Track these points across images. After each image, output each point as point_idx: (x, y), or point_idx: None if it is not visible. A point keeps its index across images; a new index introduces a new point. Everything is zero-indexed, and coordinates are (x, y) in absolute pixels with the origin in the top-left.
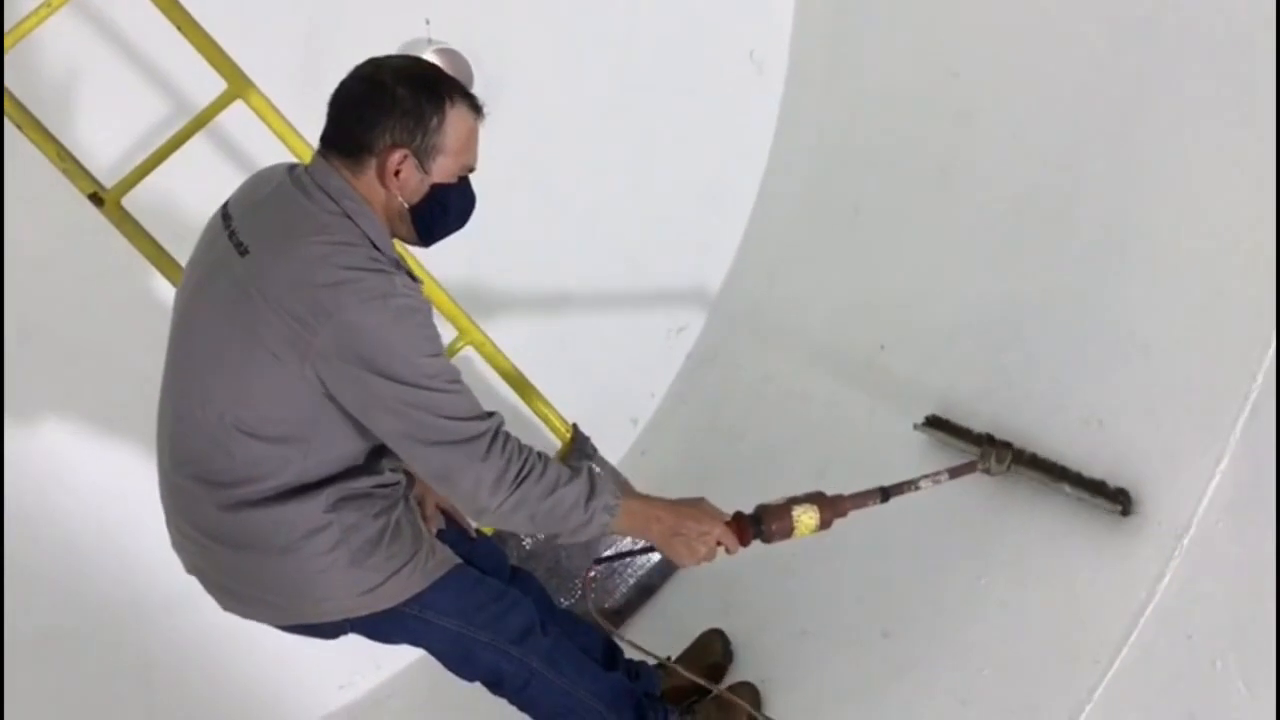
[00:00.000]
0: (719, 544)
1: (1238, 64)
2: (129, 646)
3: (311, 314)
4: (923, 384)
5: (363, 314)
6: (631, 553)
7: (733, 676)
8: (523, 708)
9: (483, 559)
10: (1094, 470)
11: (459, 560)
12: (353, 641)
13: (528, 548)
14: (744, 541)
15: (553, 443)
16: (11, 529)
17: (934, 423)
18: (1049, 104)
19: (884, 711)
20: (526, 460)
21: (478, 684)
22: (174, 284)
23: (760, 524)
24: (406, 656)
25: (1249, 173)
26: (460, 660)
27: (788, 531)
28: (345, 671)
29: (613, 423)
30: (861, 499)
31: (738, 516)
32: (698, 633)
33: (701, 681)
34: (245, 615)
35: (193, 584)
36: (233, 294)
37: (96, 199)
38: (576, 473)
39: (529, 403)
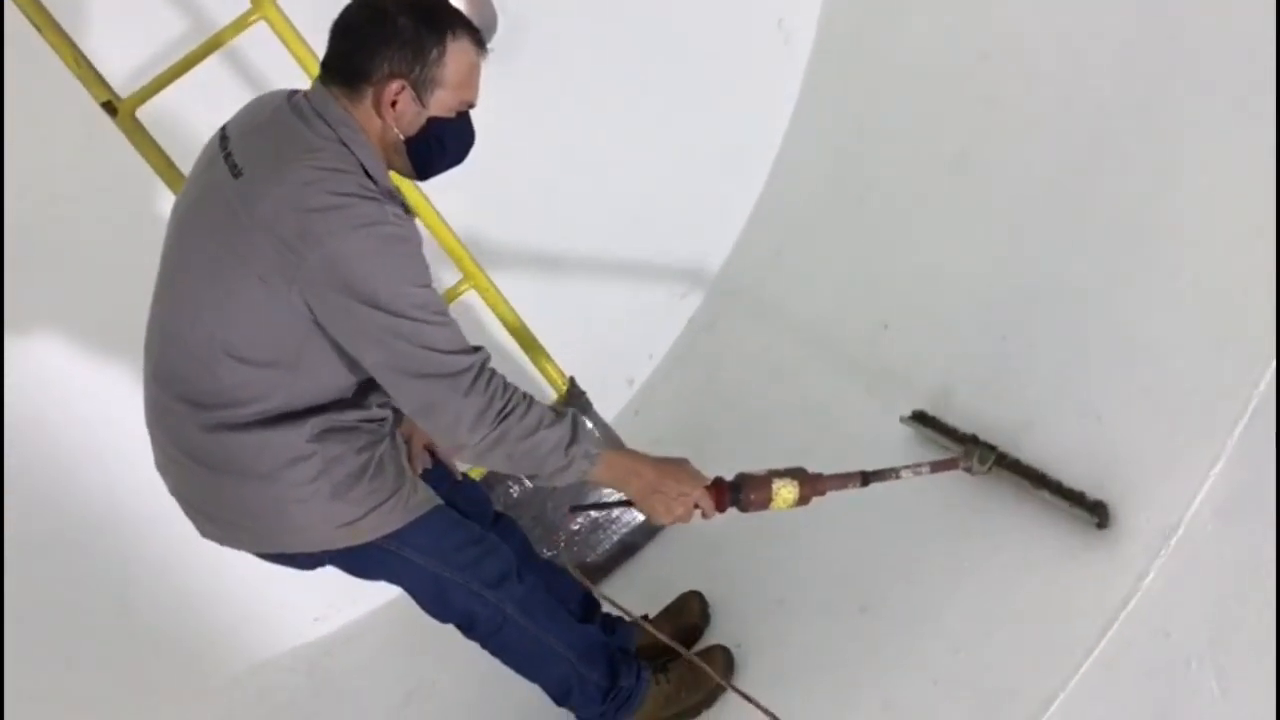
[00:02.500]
0: (696, 506)
1: (1261, 67)
2: (107, 562)
3: (300, 239)
4: (922, 366)
5: (351, 240)
6: (610, 504)
7: (709, 639)
8: (494, 653)
9: (465, 502)
10: (1085, 468)
11: (440, 501)
12: (330, 575)
13: (514, 495)
14: (720, 507)
15: (549, 395)
16: None
17: (920, 418)
18: (1074, 97)
19: (855, 684)
20: (510, 398)
21: (451, 626)
22: None
23: (739, 492)
24: (383, 593)
25: (1265, 179)
26: (435, 600)
27: (765, 503)
28: (321, 605)
29: (608, 381)
30: (842, 480)
31: (718, 482)
32: (677, 593)
33: (673, 645)
34: (223, 541)
35: (175, 506)
36: (225, 216)
37: (110, 108)
38: (560, 416)
39: (528, 353)
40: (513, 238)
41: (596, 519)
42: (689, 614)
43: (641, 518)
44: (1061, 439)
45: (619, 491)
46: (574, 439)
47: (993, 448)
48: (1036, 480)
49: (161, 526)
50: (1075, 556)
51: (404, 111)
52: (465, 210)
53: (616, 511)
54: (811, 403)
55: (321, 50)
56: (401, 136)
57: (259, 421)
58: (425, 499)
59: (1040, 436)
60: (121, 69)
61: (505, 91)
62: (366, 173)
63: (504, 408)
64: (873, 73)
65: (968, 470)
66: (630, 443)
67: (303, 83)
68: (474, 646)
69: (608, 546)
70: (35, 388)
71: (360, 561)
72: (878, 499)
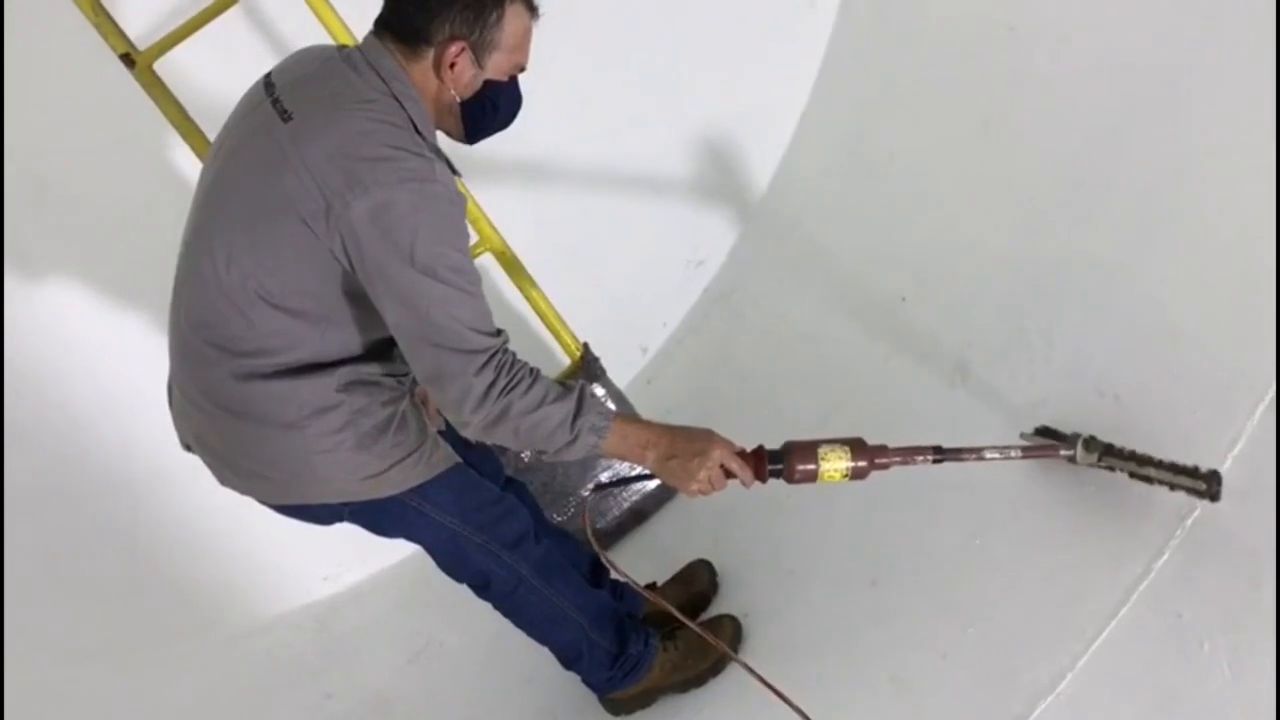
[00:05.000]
0: (728, 475)
1: None
2: (116, 515)
3: (348, 186)
4: (940, 339)
5: (399, 193)
6: (632, 479)
7: (717, 608)
8: (507, 614)
9: (479, 464)
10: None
11: (460, 460)
12: (341, 535)
13: (525, 460)
14: (760, 476)
15: (562, 360)
16: (10, 389)
17: (1043, 432)
18: (1101, 70)
19: (862, 656)
20: (515, 374)
21: (465, 587)
22: (196, 152)
23: (783, 461)
24: (392, 554)
25: None
26: (452, 559)
27: (812, 475)
28: (331, 563)
29: (622, 348)
30: (908, 453)
31: (758, 451)
32: (686, 561)
33: (679, 616)
34: (243, 491)
35: (185, 460)
36: (272, 159)
37: (128, 59)
38: (567, 390)
39: (543, 318)
40: (529, 203)
41: (607, 484)
42: (697, 582)
43: (652, 485)
44: (1078, 417)
45: (635, 464)
46: (579, 412)
47: (1102, 442)
48: (1143, 461)
49: (172, 482)
50: (1089, 535)
51: (462, 73)
52: (482, 175)
53: (626, 480)
54: (827, 374)
55: (339, 6)
56: (458, 98)
57: (288, 370)
58: (446, 456)
59: (1057, 414)
60: (143, 22)
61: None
62: (417, 129)
63: (508, 384)
64: (897, 41)
65: (1070, 459)
66: (644, 411)
67: (322, 38)
68: (483, 607)
69: (617, 513)
70: (48, 342)
71: (380, 516)
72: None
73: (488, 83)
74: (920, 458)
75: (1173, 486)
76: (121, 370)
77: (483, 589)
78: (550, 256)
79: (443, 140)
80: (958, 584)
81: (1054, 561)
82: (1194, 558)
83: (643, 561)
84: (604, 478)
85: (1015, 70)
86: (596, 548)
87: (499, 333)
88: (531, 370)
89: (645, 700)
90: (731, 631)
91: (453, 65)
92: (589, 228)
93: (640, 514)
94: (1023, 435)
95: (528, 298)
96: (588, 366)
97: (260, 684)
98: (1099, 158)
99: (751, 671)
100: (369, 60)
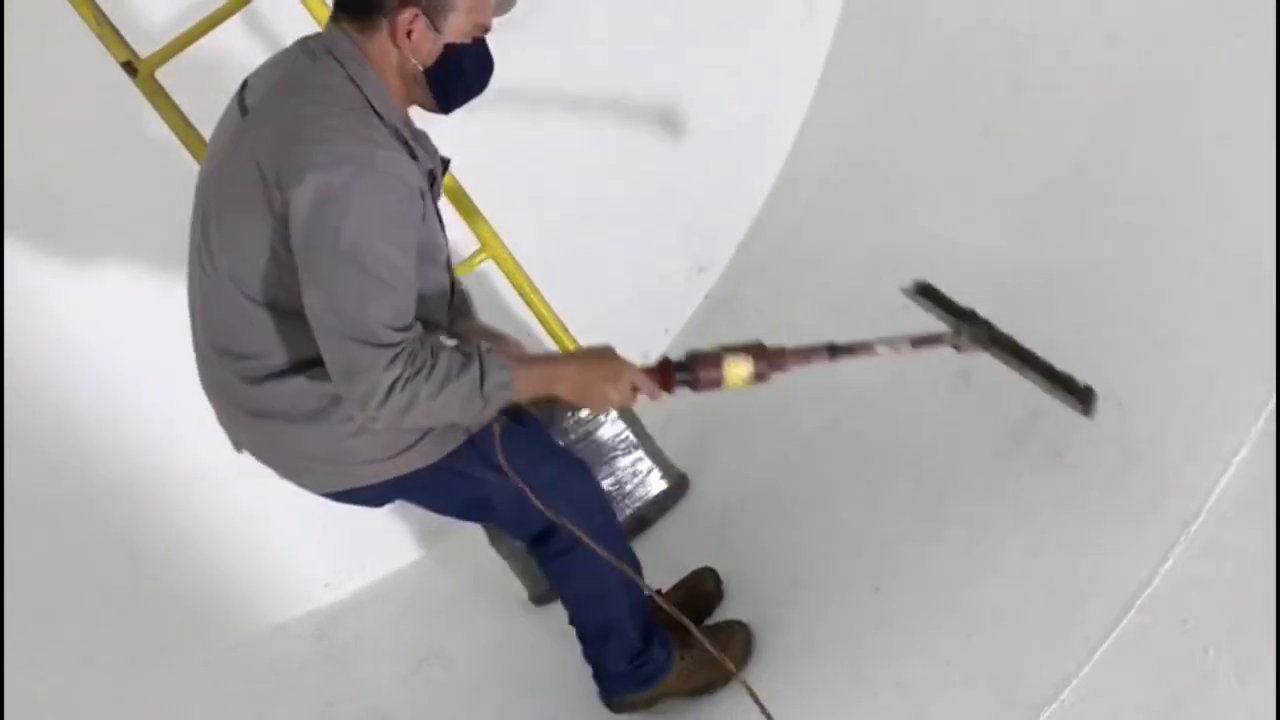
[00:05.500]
0: (635, 388)
1: None
2: (117, 527)
3: (285, 169)
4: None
5: (332, 176)
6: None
7: (720, 615)
8: (556, 574)
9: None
10: (1105, 453)
11: (505, 418)
12: (342, 541)
13: None
14: (666, 387)
15: None
16: (11, 396)
17: (924, 290)
18: (1102, 77)
19: (865, 662)
20: (419, 361)
21: (462, 594)
22: (198, 159)
23: (688, 370)
24: (394, 560)
25: None
26: (514, 514)
27: (717, 381)
28: (332, 571)
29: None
30: (805, 354)
31: (664, 363)
32: (690, 569)
33: (689, 626)
34: (299, 485)
35: (187, 467)
36: (230, 155)
37: (130, 68)
38: (468, 359)
39: (544, 325)
40: (531, 210)
41: (610, 494)
42: (702, 589)
43: (654, 491)
44: (1081, 424)
45: (550, 400)
46: (484, 376)
47: (988, 324)
48: (1028, 361)
49: (173, 491)
50: (1092, 541)
51: (420, 41)
52: (483, 180)
53: (629, 486)
54: (830, 381)
55: None
56: (420, 67)
57: (294, 367)
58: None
59: (1060, 420)
60: (146, 29)
61: (524, 60)
62: (375, 110)
63: (414, 372)
64: (897, 48)
65: (955, 348)
66: (645, 418)
67: None
68: (481, 611)
69: (620, 520)
70: (48, 349)
71: (429, 488)
72: (894, 475)
73: (449, 47)
74: (817, 357)
75: (1051, 392)
76: (122, 379)
77: (543, 540)
78: (552, 263)
79: (445, 128)
80: (961, 590)
81: (1058, 568)
82: (1199, 563)
83: (647, 570)
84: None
85: (1015, 77)
86: (609, 558)
87: (411, 325)
88: (432, 349)
89: (651, 703)
90: (743, 639)
91: (409, 33)
92: (591, 234)
93: (643, 520)
94: (903, 290)
95: (529, 304)
96: None
97: (261, 693)
98: (1100, 163)
99: (753, 695)
100: (325, 45)
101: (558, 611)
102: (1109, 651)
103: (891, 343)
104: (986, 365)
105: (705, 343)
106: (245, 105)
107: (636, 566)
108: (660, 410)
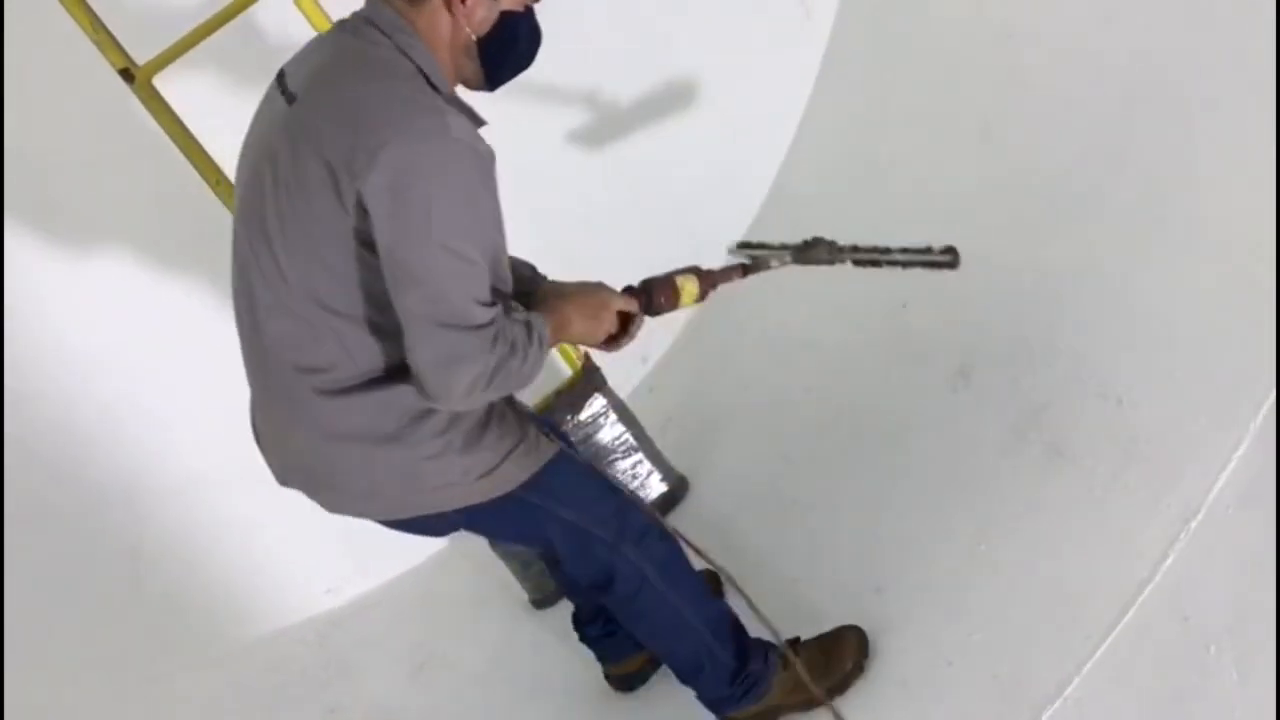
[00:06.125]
0: (625, 321)
1: None
2: (117, 534)
3: (355, 157)
4: (942, 344)
5: (407, 152)
6: None
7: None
8: (629, 619)
9: None
10: (1105, 451)
11: (562, 447)
12: (343, 547)
13: None
14: (645, 309)
15: (563, 370)
16: (10, 403)
17: (746, 245)
18: (1100, 78)
19: (870, 664)
20: (512, 336)
21: (472, 591)
22: (197, 168)
23: (650, 296)
24: (395, 566)
25: None
26: (577, 554)
27: (674, 301)
28: (333, 577)
29: (623, 358)
30: (728, 273)
31: (628, 290)
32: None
33: (809, 682)
34: (357, 513)
35: (187, 473)
36: (286, 150)
37: (128, 75)
38: (526, 326)
39: None
40: (529, 208)
41: None
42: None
43: (654, 493)
44: (1081, 422)
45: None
46: (542, 339)
47: (833, 242)
48: (883, 255)
49: (172, 497)
50: (1093, 539)
51: (475, 6)
52: None
53: (635, 484)
54: (829, 381)
55: (339, 16)
56: (474, 36)
57: (375, 379)
58: (550, 443)
59: (1059, 418)
60: (143, 35)
61: None
62: (428, 80)
63: (508, 352)
64: (895, 48)
65: (829, 262)
66: (646, 420)
67: None
68: (485, 618)
69: None
70: (51, 360)
71: (499, 518)
72: (896, 476)
73: (504, 14)
74: (735, 276)
75: (908, 265)
76: (122, 387)
77: (605, 587)
78: (549, 265)
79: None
80: (962, 590)
81: (1059, 566)
82: (1199, 560)
83: None
84: None
85: (1013, 76)
86: (712, 564)
87: (495, 301)
88: (512, 320)
89: (765, 717)
90: (856, 644)
91: (464, 0)
92: (588, 236)
93: None
94: (730, 251)
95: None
96: (589, 376)
97: (263, 698)
98: (1099, 162)
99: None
100: (366, 17)
101: (559, 614)
102: (1110, 649)
103: (779, 256)
104: (986, 364)
105: (704, 349)
106: (290, 94)
107: (708, 601)
108: (660, 412)
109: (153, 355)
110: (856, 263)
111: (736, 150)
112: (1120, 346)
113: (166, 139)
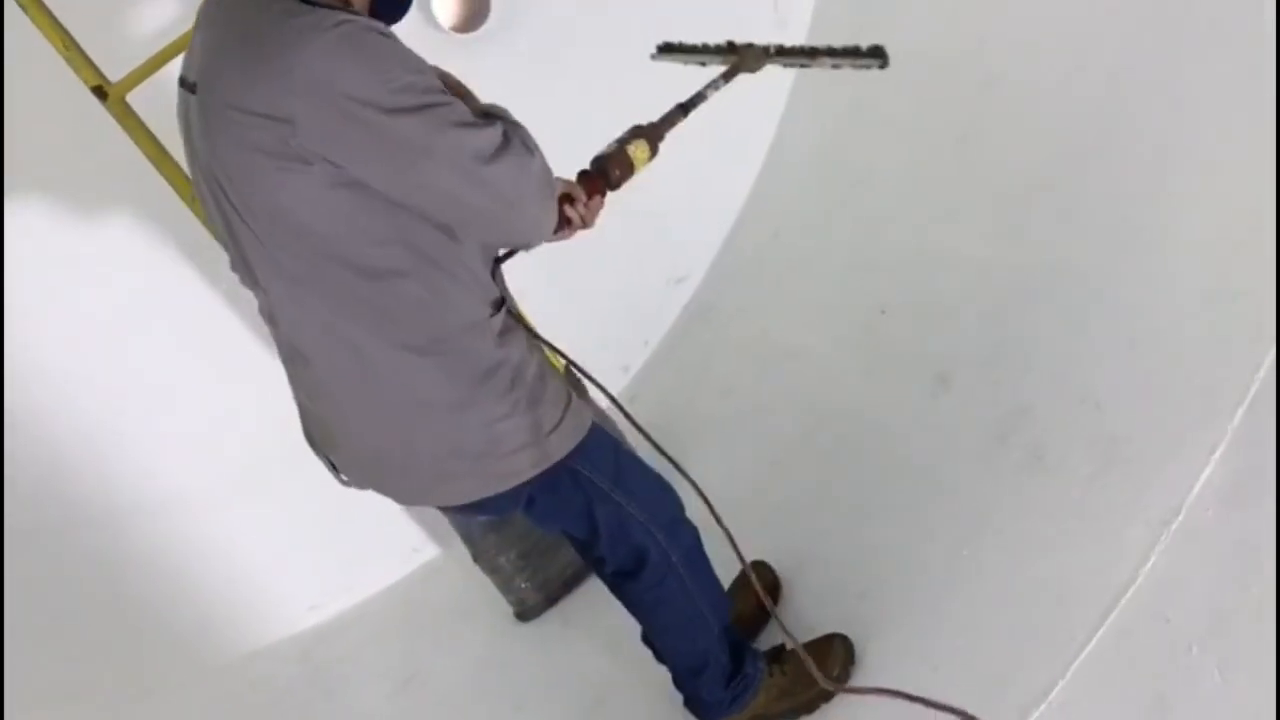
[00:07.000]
0: (582, 208)
1: (1266, 50)
2: (101, 551)
3: (280, 94)
4: (920, 351)
5: (327, 55)
6: None
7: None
8: (650, 607)
9: None
10: (1084, 453)
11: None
12: (324, 563)
13: None
14: (597, 190)
15: None
16: None
17: (667, 49)
18: (1075, 80)
19: (852, 668)
20: (520, 130)
21: (456, 604)
22: (174, 185)
23: (605, 175)
24: (378, 581)
25: (1267, 163)
26: (614, 533)
27: (630, 170)
28: (316, 593)
29: (604, 367)
30: (670, 119)
31: (583, 175)
32: None
33: (792, 639)
34: (436, 501)
35: (169, 491)
36: (224, 138)
37: (100, 92)
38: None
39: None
40: None
41: None
42: (763, 580)
43: None
44: (1061, 425)
45: None
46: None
47: (752, 45)
48: (811, 53)
49: (155, 516)
50: (1075, 541)
51: None
52: None
53: None
54: (810, 388)
55: None
56: None
57: (428, 344)
58: (588, 405)
59: (1039, 422)
60: (116, 52)
61: (499, 76)
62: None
63: (531, 146)
64: None
65: (751, 70)
66: (625, 429)
67: None
68: (469, 632)
69: None
70: (32, 378)
71: (558, 490)
72: (880, 482)
73: None
74: (678, 119)
75: (836, 64)
76: (102, 405)
77: (634, 573)
78: (530, 276)
79: None
80: (946, 595)
81: (1042, 569)
82: (1180, 562)
83: None
84: None
85: (988, 82)
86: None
87: (488, 111)
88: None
89: None
90: (843, 653)
91: None
92: (568, 247)
93: None
94: (651, 56)
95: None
96: (571, 386)
97: (247, 716)
98: (1074, 165)
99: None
100: None
101: (544, 627)
102: (1094, 652)
103: (712, 85)
104: (965, 369)
105: (685, 357)
106: (190, 84)
107: (721, 597)
108: (641, 421)
109: (132, 374)
110: (786, 64)
111: (713, 160)
112: (1099, 350)
113: (142, 156)
